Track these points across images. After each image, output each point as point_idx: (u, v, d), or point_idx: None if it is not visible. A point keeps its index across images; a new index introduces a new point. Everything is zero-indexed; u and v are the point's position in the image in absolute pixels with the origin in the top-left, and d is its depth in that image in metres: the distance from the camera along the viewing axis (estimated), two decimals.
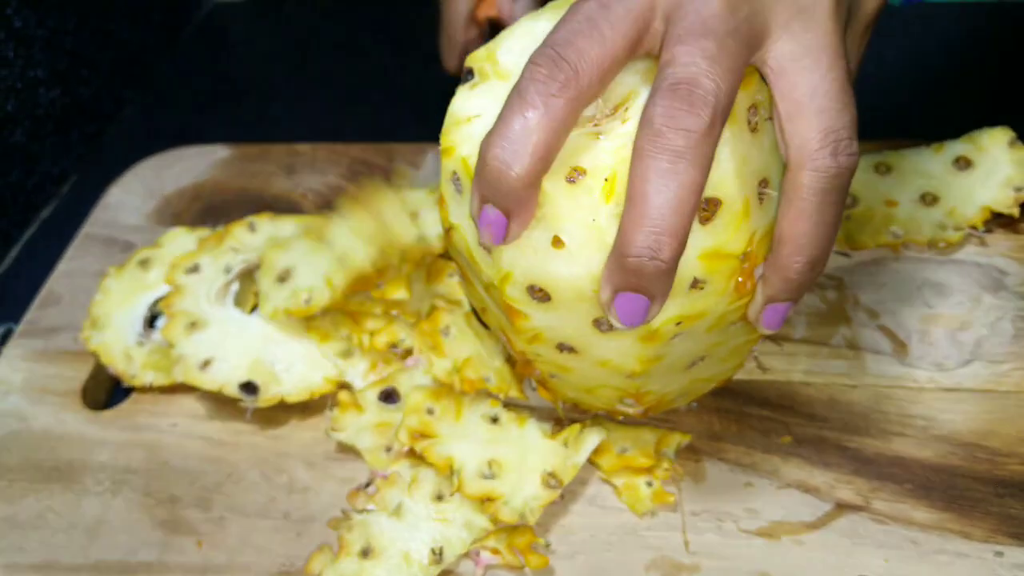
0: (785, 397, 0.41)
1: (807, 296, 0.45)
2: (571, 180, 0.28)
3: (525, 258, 0.29)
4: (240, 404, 0.41)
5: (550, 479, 0.36)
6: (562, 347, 0.32)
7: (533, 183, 0.27)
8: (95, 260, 0.51)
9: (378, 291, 0.44)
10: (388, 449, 0.40)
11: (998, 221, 0.47)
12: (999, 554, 0.35)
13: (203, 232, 0.48)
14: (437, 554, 0.36)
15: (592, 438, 0.37)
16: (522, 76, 0.27)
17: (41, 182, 0.59)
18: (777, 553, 0.36)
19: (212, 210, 0.54)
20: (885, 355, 0.42)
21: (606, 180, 0.27)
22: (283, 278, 0.42)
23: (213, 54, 0.74)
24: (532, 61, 0.27)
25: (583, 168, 0.28)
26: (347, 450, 0.41)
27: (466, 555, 0.36)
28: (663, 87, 0.26)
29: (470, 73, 0.31)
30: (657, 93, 0.26)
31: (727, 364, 0.36)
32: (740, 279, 0.29)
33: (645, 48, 0.28)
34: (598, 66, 0.27)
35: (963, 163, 0.47)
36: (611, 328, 0.30)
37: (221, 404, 0.43)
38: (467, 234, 0.31)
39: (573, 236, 0.28)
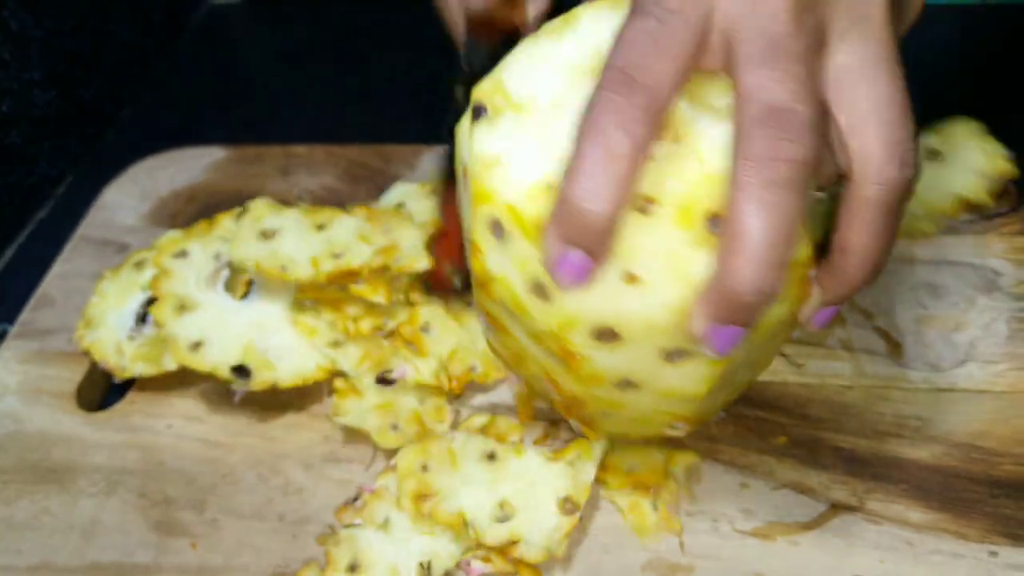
0: (780, 398, 0.41)
1: None
2: (642, 211, 0.26)
3: (593, 299, 0.27)
4: (231, 387, 0.41)
5: (566, 504, 0.35)
6: (623, 383, 0.30)
7: (618, 219, 0.26)
8: (90, 262, 0.51)
9: (357, 289, 0.43)
10: (395, 427, 0.40)
11: (992, 222, 0.47)
12: (994, 554, 0.35)
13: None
14: (425, 568, 0.35)
15: (597, 449, 0.36)
16: (594, 105, 0.26)
17: (38, 184, 0.59)
18: (772, 554, 0.36)
19: (208, 211, 0.53)
20: (880, 356, 0.43)
21: (680, 208, 0.26)
22: (267, 236, 0.42)
23: (210, 56, 0.74)
24: (603, 87, 0.26)
25: (652, 196, 0.26)
26: (351, 441, 0.41)
27: (456, 566, 0.36)
28: (757, 115, 0.25)
29: (482, 110, 0.29)
30: (753, 123, 0.25)
31: (759, 368, 0.35)
32: (802, 285, 0.29)
33: (705, 64, 0.27)
34: (671, 83, 0.26)
35: (933, 155, 0.48)
36: (683, 356, 0.28)
37: (217, 405, 0.43)
38: (514, 284, 0.29)
39: (649, 269, 0.26)
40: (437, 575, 0.35)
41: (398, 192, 0.51)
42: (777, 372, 0.42)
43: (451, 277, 0.42)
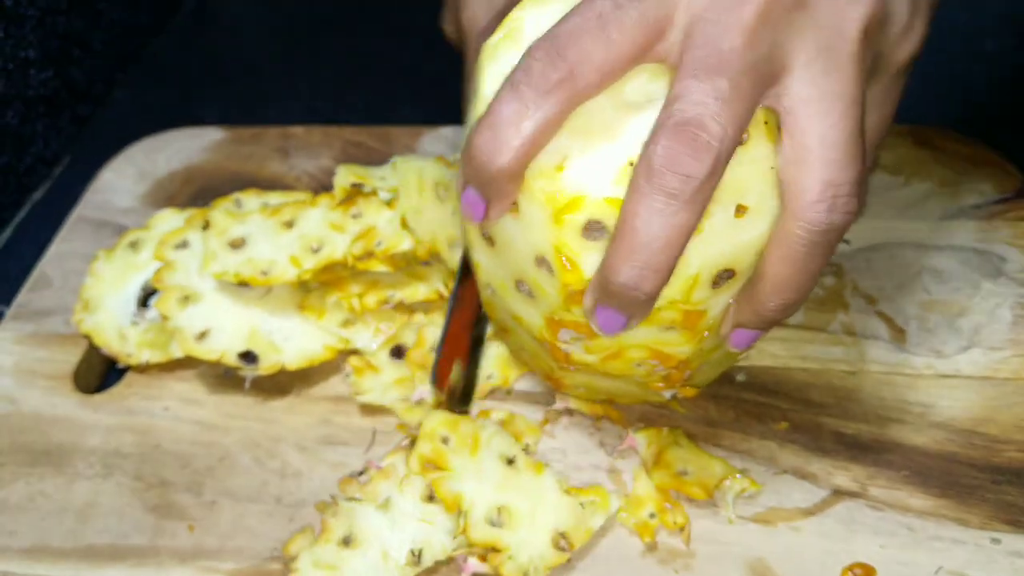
0: (782, 383, 0.41)
1: None
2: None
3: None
4: (239, 373, 0.41)
5: (561, 540, 0.35)
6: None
7: (515, 176, 0.27)
8: (87, 243, 0.50)
9: (355, 262, 0.43)
10: (418, 401, 0.40)
11: (997, 207, 0.47)
12: (996, 541, 0.35)
13: (192, 212, 0.47)
14: (416, 555, 0.35)
15: (614, 503, 0.36)
16: (518, 65, 0.26)
17: (33, 164, 0.59)
18: (773, 539, 0.35)
19: (205, 192, 0.53)
20: (883, 341, 0.42)
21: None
22: (236, 246, 0.41)
23: (207, 35, 0.73)
24: (530, 53, 0.26)
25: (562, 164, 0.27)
26: (349, 423, 0.40)
27: (451, 561, 0.35)
28: (668, 124, 0.25)
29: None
30: (661, 130, 0.25)
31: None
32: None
33: (657, 56, 0.27)
34: (598, 70, 0.26)
35: None
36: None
37: (213, 387, 0.43)
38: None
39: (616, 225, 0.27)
40: (426, 564, 0.35)
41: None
42: (779, 357, 0.42)
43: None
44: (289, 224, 0.42)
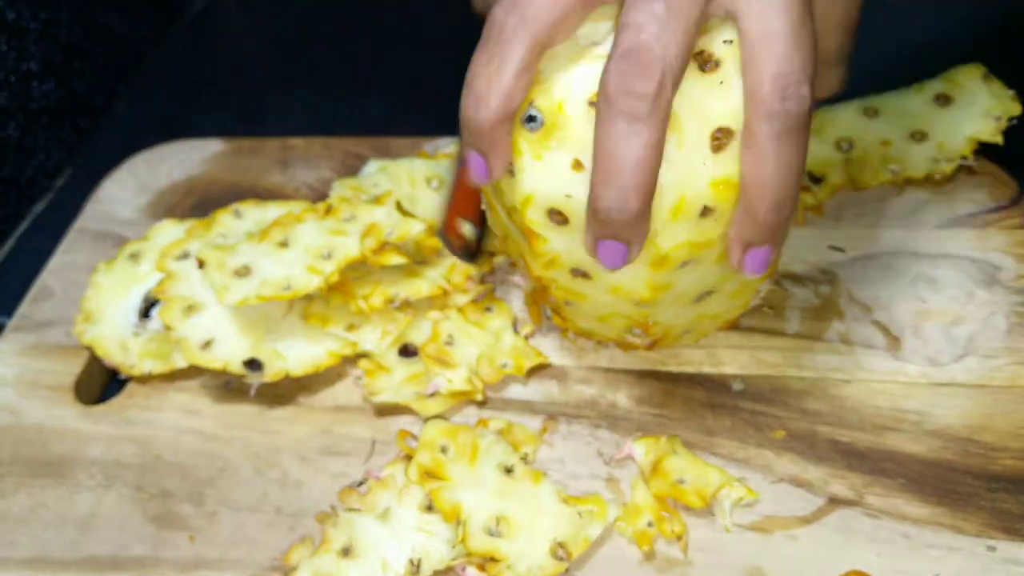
0: (779, 392, 0.41)
1: (800, 290, 0.45)
2: (592, 104, 0.29)
3: (545, 182, 0.30)
4: (244, 381, 0.41)
5: (559, 549, 0.35)
6: (576, 272, 0.33)
7: (501, 125, 0.29)
8: (88, 254, 0.51)
9: (373, 258, 0.43)
10: (432, 394, 0.41)
11: (992, 216, 0.47)
12: (991, 548, 0.35)
13: (191, 223, 0.48)
14: (415, 565, 0.35)
15: (612, 512, 0.36)
16: (486, 24, 0.29)
17: (34, 176, 0.59)
18: (770, 547, 0.36)
19: (206, 204, 0.54)
20: (878, 350, 0.42)
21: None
22: (242, 274, 0.41)
23: (207, 47, 0.74)
24: (493, 12, 0.29)
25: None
26: (349, 433, 0.41)
27: (450, 570, 0.36)
28: (616, 54, 0.27)
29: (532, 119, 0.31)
30: (611, 60, 0.27)
31: (734, 302, 0.37)
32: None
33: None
34: (549, 12, 0.28)
35: (943, 100, 0.50)
36: None
37: (215, 398, 0.43)
38: None
39: (592, 159, 0.29)
40: (425, 574, 0.35)
41: (373, 167, 0.51)
42: (775, 366, 0.42)
43: (467, 235, 0.42)
44: (283, 244, 0.43)
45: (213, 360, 0.41)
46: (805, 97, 0.28)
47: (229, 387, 0.43)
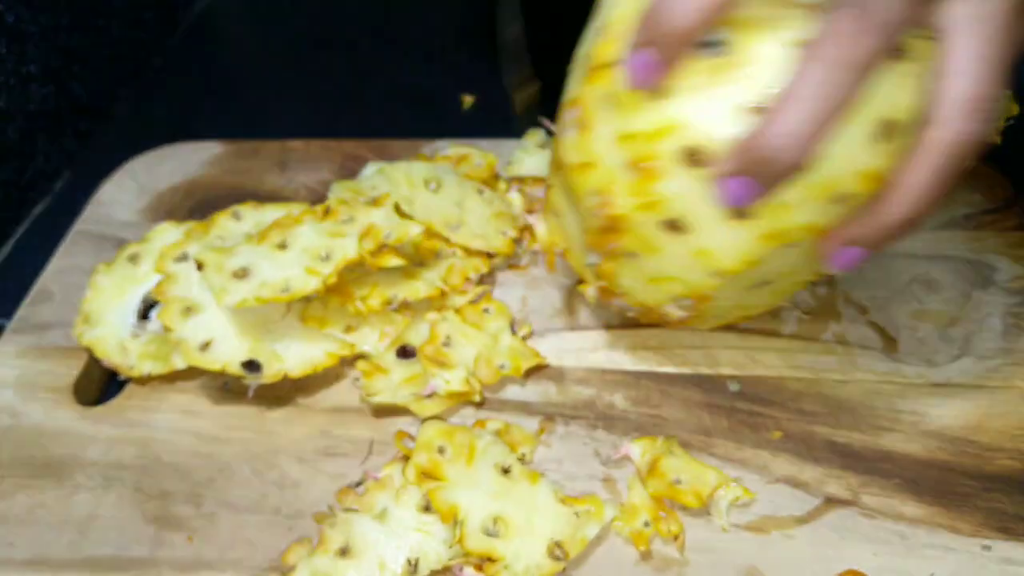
0: (775, 392, 0.41)
1: (798, 292, 0.45)
2: (793, 46, 0.28)
3: (700, 115, 0.30)
4: (243, 382, 0.41)
5: (556, 549, 0.35)
6: (668, 224, 0.32)
7: (688, 34, 0.29)
8: (88, 257, 0.51)
9: (371, 260, 0.43)
10: (430, 395, 0.41)
11: (987, 217, 0.47)
12: (987, 548, 0.35)
13: (190, 225, 0.48)
14: (412, 565, 0.35)
15: (608, 512, 0.36)
16: None
17: (34, 179, 0.59)
18: (767, 547, 0.36)
19: (205, 206, 0.54)
20: (875, 350, 0.43)
21: None
22: (241, 276, 0.41)
23: (207, 51, 0.74)
24: None
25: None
26: (348, 434, 0.41)
27: (447, 570, 0.36)
28: (849, 2, 0.27)
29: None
30: (843, 6, 0.27)
31: (775, 299, 0.38)
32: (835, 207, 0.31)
33: None
34: None
35: None
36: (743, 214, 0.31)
37: (213, 399, 0.43)
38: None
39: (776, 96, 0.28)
40: (422, 574, 0.35)
41: (372, 169, 0.51)
42: (772, 367, 0.42)
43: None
44: (282, 245, 0.43)
45: (212, 361, 0.41)
46: (988, 129, 0.28)
47: (227, 388, 0.44)
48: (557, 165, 0.37)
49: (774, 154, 0.28)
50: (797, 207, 0.30)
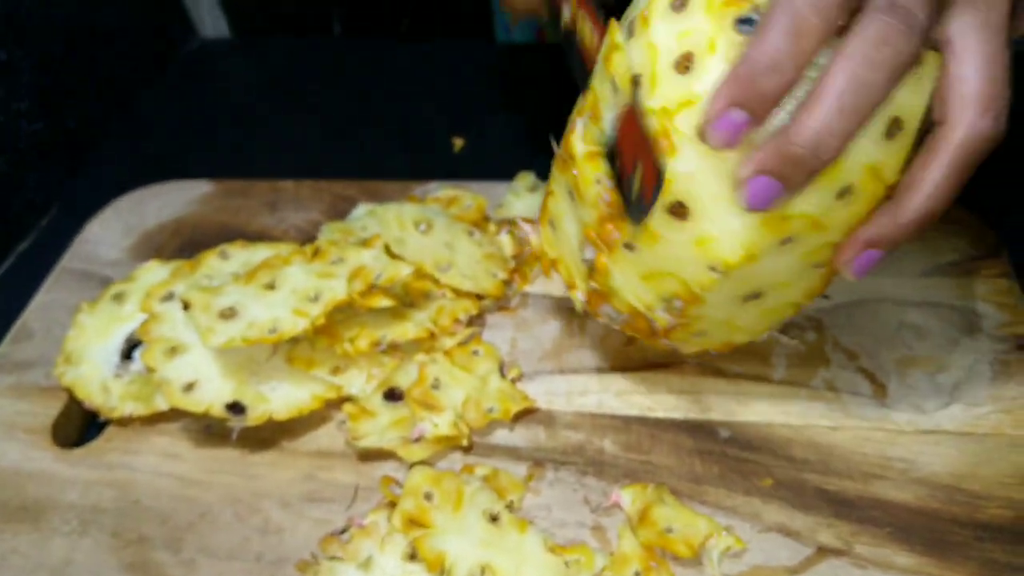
0: (765, 439, 0.41)
1: (786, 339, 0.45)
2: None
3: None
4: (227, 424, 0.41)
5: None
6: (674, 207, 0.32)
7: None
8: (71, 294, 0.50)
9: (361, 301, 0.43)
10: (417, 439, 0.40)
11: (973, 264, 0.48)
12: None
13: (177, 264, 0.48)
14: None
15: (599, 561, 0.36)
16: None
17: (20, 214, 0.59)
18: None
19: (192, 245, 0.53)
20: (864, 397, 0.43)
21: None
22: (227, 316, 0.41)
23: (198, 90, 0.74)
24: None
25: None
26: (332, 479, 0.40)
27: None
28: (883, 5, 0.28)
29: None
30: (877, 9, 0.28)
31: (764, 321, 0.37)
32: (868, 212, 0.31)
33: None
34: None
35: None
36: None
37: (196, 441, 0.42)
38: (660, 55, 0.31)
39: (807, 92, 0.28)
40: None
41: (362, 210, 0.51)
42: (762, 413, 0.42)
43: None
44: (270, 286, 0.42)
45: (196, 403, 0.40)
46: (1003, 130, 0.29)
47: (210, 431, 0.43)
48: (563, 164, 0.37)
49: (806, 152, 0.28)
50: (801, 195, 0.30)
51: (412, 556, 0.36)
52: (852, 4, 0.28)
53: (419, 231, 0.48)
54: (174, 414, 0.43)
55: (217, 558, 0.38)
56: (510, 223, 0.52)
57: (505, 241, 0.50)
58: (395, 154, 0.64)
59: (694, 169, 0.31)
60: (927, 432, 0.41)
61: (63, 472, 0.41)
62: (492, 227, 0.51)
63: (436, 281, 0.46)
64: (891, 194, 0.31)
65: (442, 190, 0.54)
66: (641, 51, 0.32)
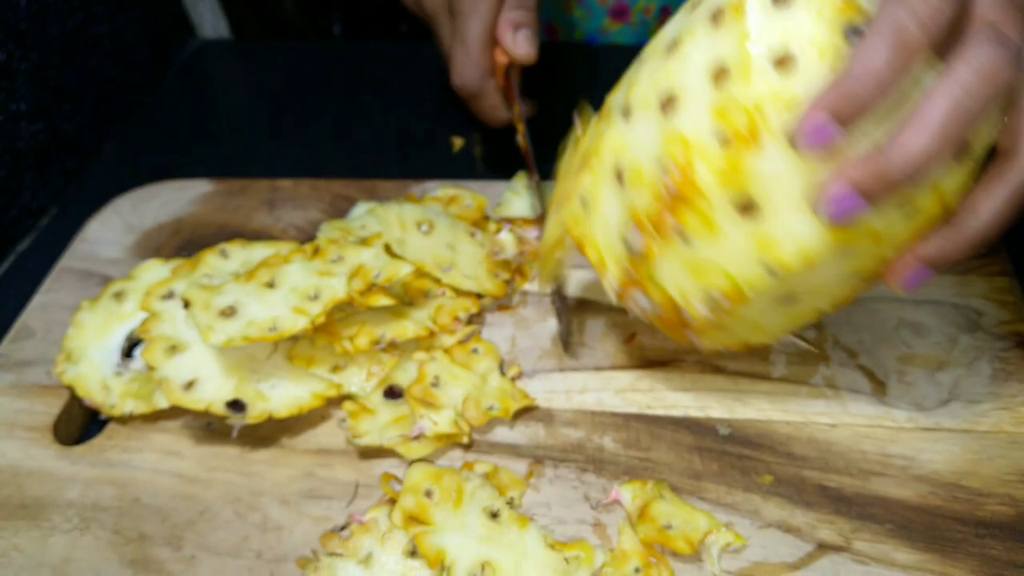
0: (765, 436, 0.41)
1: (803, 343, 0.45)
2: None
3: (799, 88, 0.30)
4: (227, 422, 0.41)
5: None
6: (744, 205, 0.31)
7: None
8: (71, 293, 0.50)
9: (360, 300, 0.43)
10: (417, 437, 0.40)
11: (973, 263, 0.48)
12: None
13: (177, 263, 0.48)
14: None
15: (599, 557, 0.36)
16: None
17: (19, 216, 0.59)
18: None
19: (191, 244, 0.53)
20: (864, 395, 0.43)
21: None
22: (228, 315, 0.41)
23: (197, 92, 0.75)
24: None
25: None
26: (332, 476, 0.40)
27: None
28: (987, 36, 0.28)
29: None
30: (982, 39, 0.28)
31: (788, 325, 0.37)
32: (921, 231, 0.32)
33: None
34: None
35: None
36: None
37: (196, 439, 0.42)
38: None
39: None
40: None
41: (362, 209, 0.52)
42: (762, 410, 0.42)
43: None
44: (270, 284, 0.42)
45: (196, 401, 0.40)
46: None
47: (211, 428, 0.43)
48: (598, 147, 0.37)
49: (902, 174, 0.28)
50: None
51: (412, 553, 0.36)
52: (956, 23, 0.28)
53: (421, 232, 0.48)
54: (174, 412, 0.43)
55: (217, 555, 0.38)
56: (510, 222, 0.52)
57: (506, 240, 0.51)
58: (394, 154, 0.64)
59: (775, 170, 0.30)
60: (927, 429, 0.41)
61: (64, 470, 0.41)
62: (492, 226, 0.51)
63: (436, 280, 0.47)
64: (947, 216, 0.32)
65: (441, 189, 0.54)
66: (732, 42, 0.31)
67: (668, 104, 0.33)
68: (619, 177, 0.36)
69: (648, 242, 0.35)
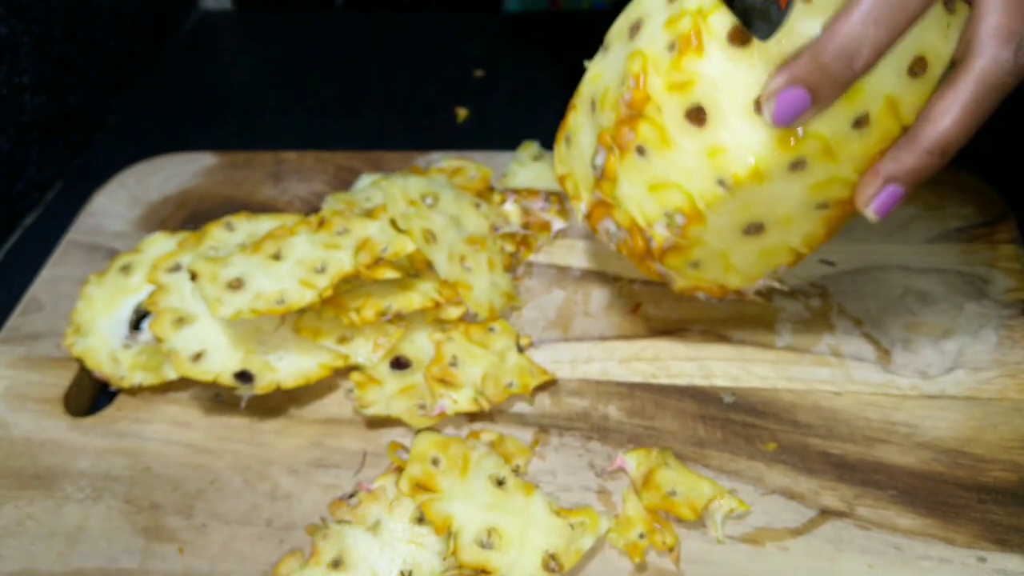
0: (769, 404, 0.41)
1: (791, 304, 0.45)
2: None
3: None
4: (235, 393, 0.41)
5: (551, 561, 0.35)
6: (692, 112, 0.32)
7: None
8: (79, 267, 0.50)
9: (367, 273, 0.43)
10: (422, 406, 0.41)
11: (980, 231, 0.48)
12: (982, 560, 0.35)
13: (183, 236, 0.48)
14: None
15: (604, 524, 0.36)
16: None
17: (25, 189, 0.59)
18: (762, 559, 0.36)
19: (197, 217, 0.54)
20: (869, 362, 0.43)
21: None
22: (235, 287, 0.41)
23: (200, 63, 0.74)
24: None
25: None
26: (340, 445, 0.40)
27: None
28: None
29: None
30: None
31: (759, 263, 0.37)
32: (881, 151, 0.32)
33: None
34: None
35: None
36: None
37: (205, 410, 0.43)
38: None
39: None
40: None
41: (366, 181, 0.52)
42: (766, 378, 0.42)
43: None
44: (276, 256, 0.43)
45: (204, 372, 0.41)
46: (1020, 60, 0.29)
47: (219, 399, 0.43)
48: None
49: (839, 61, 0.28)
50: (819, 117, 0.30)
51: (420, 520, 0.36)
52: None
53: (425, 204, 0.48)
54: (183, 383, 0.43)
55: (228, 523, 0.38)
56: (515, 193, 0.52)
57: (511, 211, 0.51)
58: (398, 125, 0.64)
59: (720, 74, 0.31)
60: (931, 397, 0.41)
61: (75, 440, 0.42)
62: (496, 197, 0.51)
63: None
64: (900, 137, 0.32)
65: (446, 160, 0.54)
66: None
67: (634, 29, 0.35)
68: (592, 105, 0.38)
69: (610, 159, 0.36)
